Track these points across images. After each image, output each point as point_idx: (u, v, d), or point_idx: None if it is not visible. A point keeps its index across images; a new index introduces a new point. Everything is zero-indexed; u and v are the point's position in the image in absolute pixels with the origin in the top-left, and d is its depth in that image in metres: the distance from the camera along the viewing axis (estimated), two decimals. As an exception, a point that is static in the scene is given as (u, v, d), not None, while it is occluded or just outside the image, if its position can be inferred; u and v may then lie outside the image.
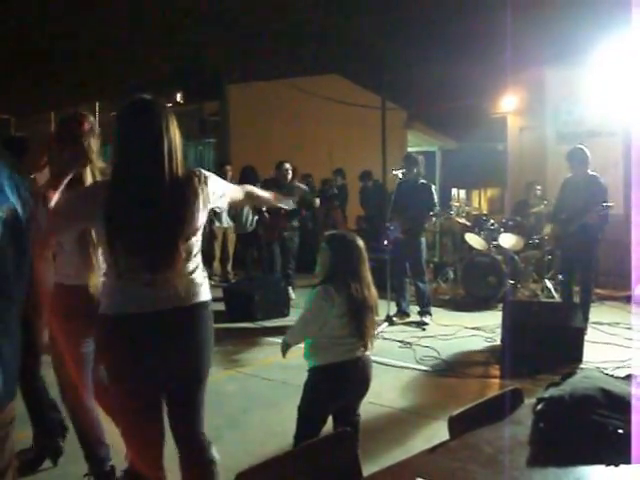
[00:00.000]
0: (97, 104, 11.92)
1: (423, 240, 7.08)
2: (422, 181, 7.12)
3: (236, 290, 7.54)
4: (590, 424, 1.90)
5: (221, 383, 5.01)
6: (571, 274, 6.62)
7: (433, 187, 7.17)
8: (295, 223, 8.23)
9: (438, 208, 7.28)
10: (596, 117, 9.38)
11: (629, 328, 6.48)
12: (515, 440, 1.93)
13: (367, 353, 3.09)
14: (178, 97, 11.87)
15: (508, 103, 10.61)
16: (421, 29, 9.12)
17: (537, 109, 10.19)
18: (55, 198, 2.64)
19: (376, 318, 3.17)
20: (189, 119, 12.40)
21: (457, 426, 1.97)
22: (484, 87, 10.48)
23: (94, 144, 2.91)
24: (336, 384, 3.01)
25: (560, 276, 7.51)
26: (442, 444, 1.89)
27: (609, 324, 6.71)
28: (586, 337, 5.50)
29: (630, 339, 6.08)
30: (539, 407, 2.01)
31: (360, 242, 3.11)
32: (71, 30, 8.39)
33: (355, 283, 3.00)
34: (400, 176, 6.92)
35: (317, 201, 8.63)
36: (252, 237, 8.95)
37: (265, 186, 8.46)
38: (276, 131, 12.21)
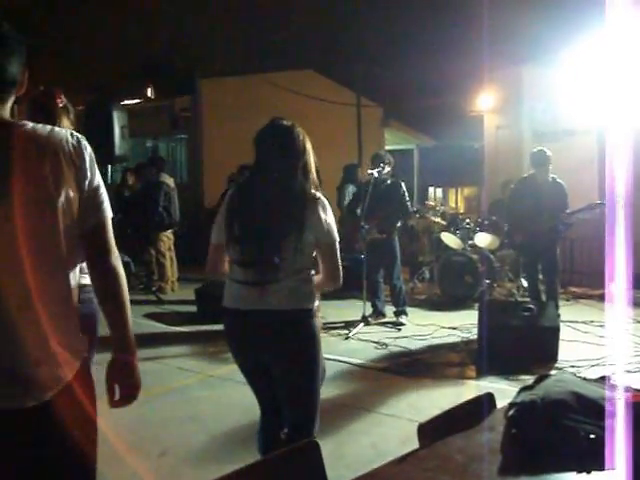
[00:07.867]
0: (66, 98, 11.73)
1: (397, 239, 7.02)
2: (389, 181, 7.04)
3: (208, 292, 7.42)
4: (562, 429, 1.86)
5: (194, 388, 4.93)
6: (535, 274, 6.76)
7: (403, 185, 7.06)
8: None
9: (411, 209, 7.19)
10: (571, 116, 9.44)
11: (603, 326, 6.51)
12: (487, 447, 1.88)
13: None
14: (149, 92, 11.62)
15: (485, 102, 10.65)
16: (398, 26, 9.10)
17: (513, 108, 10.22)
18: None
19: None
20: (160, 114, 12.21)
21: (427, 434, 1.92)
22: (461, 86, 10.51)
23: (67, 122, 2.80)
24: None
25: (523, 279, 7.59)
26: (411, 453, 1.83)
27: (584, 322, 6.75)
28: (561, 335, 5.52)
29: (604, 337, 6.11)
30: (511, 412, 1.96)
31: None
32: (40, 24, 8.22)
33: None
34: (376, 175, 6.85)
35: None
36: None
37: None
38: (250, 127, 11.97)
